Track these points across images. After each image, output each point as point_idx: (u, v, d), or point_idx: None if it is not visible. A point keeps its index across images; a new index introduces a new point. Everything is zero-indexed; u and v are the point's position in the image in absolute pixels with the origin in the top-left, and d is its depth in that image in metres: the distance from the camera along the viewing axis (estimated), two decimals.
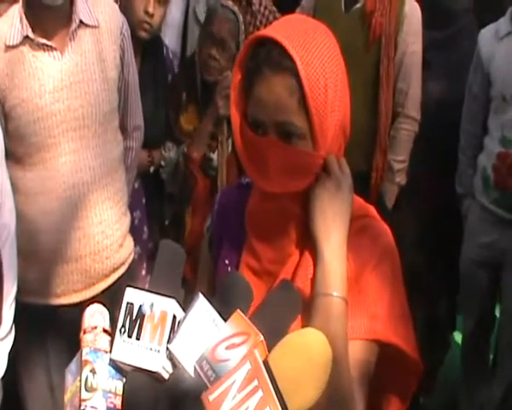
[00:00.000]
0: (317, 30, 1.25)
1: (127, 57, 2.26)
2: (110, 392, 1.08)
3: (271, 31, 1.23)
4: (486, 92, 2.82)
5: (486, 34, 2.85)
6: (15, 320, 1.79)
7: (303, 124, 1.21)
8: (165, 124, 2.91)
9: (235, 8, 2.78)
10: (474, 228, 2.94)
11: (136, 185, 2.85)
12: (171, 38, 3.41)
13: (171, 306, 1.07)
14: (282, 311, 1.05)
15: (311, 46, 1.20)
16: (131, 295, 1.09)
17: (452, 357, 3.45)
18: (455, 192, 3.05)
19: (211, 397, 0.94)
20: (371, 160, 2.92)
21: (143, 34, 2.71)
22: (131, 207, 2.50)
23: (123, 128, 2.35)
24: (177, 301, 1.08)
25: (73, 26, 2.05)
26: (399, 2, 2.81)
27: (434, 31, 2.97)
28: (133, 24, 2.53)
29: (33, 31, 2.01)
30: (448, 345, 3.56)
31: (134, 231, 2.51)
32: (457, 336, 3.56)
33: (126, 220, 2.33)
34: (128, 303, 1.09)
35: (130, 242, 2.36)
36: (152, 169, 2.92)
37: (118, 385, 1.09)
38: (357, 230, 1.29)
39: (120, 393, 1.09)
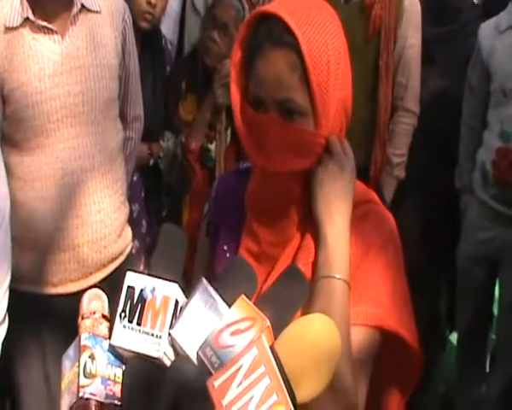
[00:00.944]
0: (320, 6, 1.23)
1: (129, 45, 2.23)
2: (109, 379, 1.05)
3: (273, 6, 1.20)
4: (486, 86, 2.80)
5: (486, 28, 2.82)
6: (10, 309, 1.75)
7: (304, 101, 1.18)
8: (164, 115, 2.88)
9: None
10: (472, 224, 2.91)
11: (135, 178, 2.82)
12: (167, 28, 3.38)
13: (173, 290, 1.04)
14: (289, 297, 1.01)
15: (314, 22, 1.18)
16: (132, 279, 1.06)
17: (448, 355, 3.43)
18: (454, 188, 3.02)
19: (216, 383, 0.91)
20: (370, 153, 2.90)
21: (145, 25, 2.69)
22: (130, 201, 2.47)
23: (122, 118, 2.31)
24: (180, 286, 1.05)
25: (75, 9, 2.02)
26: None
27: (439, 26, 2.96)
28: (135, 14, 2.50)
29: (34, 13, 1.97)
30: (445, 344, 3.54)
31: (132, 224, 2.47)
32: (453, 337, 3.54)
33: (125, 210, 2.29)
34: (129, 287, 1.06)
35: (128, 232, 2.33)
36: (151, 162, 2.89)
37: (117, 372, 1.06)
38: (360, 215, 1.27)
39: (120, 380, 1.06)
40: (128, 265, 2.24)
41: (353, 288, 1.20)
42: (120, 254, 2.25)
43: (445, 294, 3.53)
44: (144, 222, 2.91)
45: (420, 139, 2.97)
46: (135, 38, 2.36)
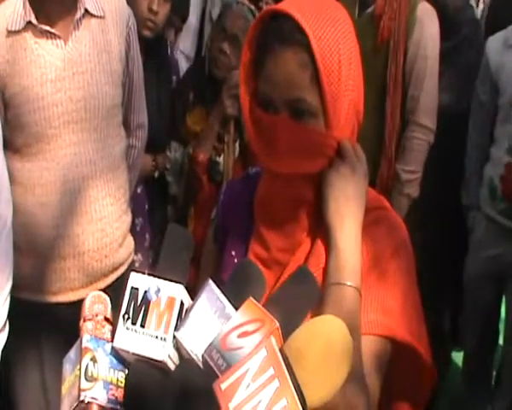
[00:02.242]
0: (332, 6, 1.21)
1: (133, 51, 2.21)
2: (111, 383, 1.01)
3: (283, 5, 1.18)
4: (494, 101, 2.77)
5: (494, 43, 2.81)
6: (9, 317, 1.71)
7: (315, 101, 1.15)
8: (170, 125, 2.85)
9: (252, 6, 2.74)
10: (479, 240, 2.89)
11: (139, 191, 2.78)
12: (185, 43, 3.41)
13: (178, 291, 1.00)
14: (299, 299, 0.98)
15: (325, 21, 1.15)
16: (136, 280, 1.03)
17: (453, 373, 3.38)
18: (461, 204, 2.99)
19: (223, 386, 0.87)
20: (377, 169, 2.80)
21: (147, 33, 2.66)
22: (133, 214, 2.44)
23: (126, 125, 2.29)
24: (185, 287, 1.02)
25: (78, 14, 1.99)
26: (410, 7, 2.73)
27: (442, 41, 2.92)
28: (137, 22, 2.47)
29: (37, 17, 1.95)
30: (449, 362, 3.49)
31: (135, 238, 2.43)
32: (456, 355, 3.50)
33: (127, 219, 2.26)
34: (132, 288, 1.03)
35: (130, 242, 2.30)
36: (156, 174, 2.86)
37: (119, 376, 1.03)
38: (372, 221, 1.23)
39: (122, 385, 1.02)
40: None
41: (364, 296, 1.17)
42: (121, 264, 2.22)
43: (449, 311, 3.49)
44: (148, 236, 2.87)
45: None
46: (140, 46, 2.34)
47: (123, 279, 2.15)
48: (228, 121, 2.69)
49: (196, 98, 2.83)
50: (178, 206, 2.96)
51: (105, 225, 2.11)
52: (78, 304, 2.09)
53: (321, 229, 1.21)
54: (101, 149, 2.08)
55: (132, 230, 2.38)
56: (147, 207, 2.87)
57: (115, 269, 2.18)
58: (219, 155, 2.73)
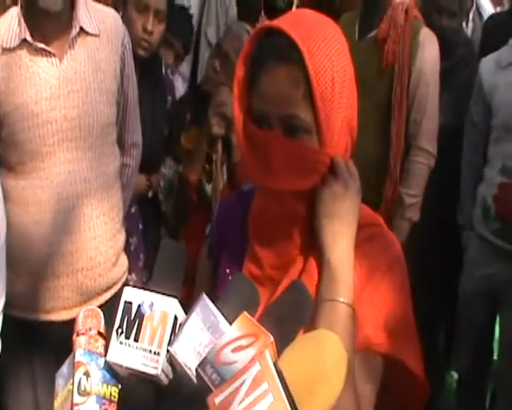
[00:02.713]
0: (326, 24, 1.22)
1: (128, 70, 2.21)
2: (105, 398, 1.00)
3: (278, 22, 1.19)
4: (488, 122, 2.80)
5: (487, 64, 2.84)
6: (2, 334, 1.70)
7: (308, 117, 1.16)
8: (164, 145, 2.85)
9: (250, 28, 2.76)
10: (473, 259, 2.89)
11: (133, 210, 2.77)
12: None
13: (172, 306, 1.00)
14: (293, 313, 0.98)
15: (319, 38, 1.16)
16: (130, 294, 1.03)
17: (447, 394, 3.37)
18: (455, 223, 3.00)
19: (217, 400, 0.86)
20: (381, 192, 2.83)
21: (142, 52, 2.66)
22: (127, 233, 2.42)
23: (120, 144, 2.28)
24: (179, 302, 1.01)
25: (73, 32, 2.00)
26: (413, 31, 2.77)
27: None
28: (131, 41, 2.48)
29: (32, 35, 1.95)
30: (443, 382, 3.48)
31: (130, 258, 2.41)
32: (450, 376, 3.49)
33: (121, 238, 2.25)
34: (126, 302, 1.02)
35: (124, 260, 2.28)
36: (150, 194, 2.85)
37: (113, 391, 1.02)
38: (365, 238, 1.23)
39: (116, 400, 1.02)
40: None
41: (358, 312, 1.17)
42: (115, 283, 2.20)
43: (442, 332, 3.49)
44: (142, 256, 2.85)
45: None
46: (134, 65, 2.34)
47: (116, 298, 2.12)
48: (215, 140, 2.68)
49: (193, 119, 2.84)
50: (170, 225, 2.96)
51: (99, 243, 2.10)
52: (72, 323, 2.08)
53: (314, 246, 1.21)
54: (96, 168, 2.07)
55: (126, 249, 2.37)
56: (141, 226, 2.85)
57: (109, 288, 2.16)
58: (209, 182, 2.72)
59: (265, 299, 1.19)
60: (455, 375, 3.29)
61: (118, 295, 2.14)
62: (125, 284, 2.28)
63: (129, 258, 2.37)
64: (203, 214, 2.75)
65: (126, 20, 2.55)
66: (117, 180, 2.23)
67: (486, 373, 3.08)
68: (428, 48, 2.78)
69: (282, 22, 1.17)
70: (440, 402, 3.31)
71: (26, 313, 2.05)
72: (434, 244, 3.05)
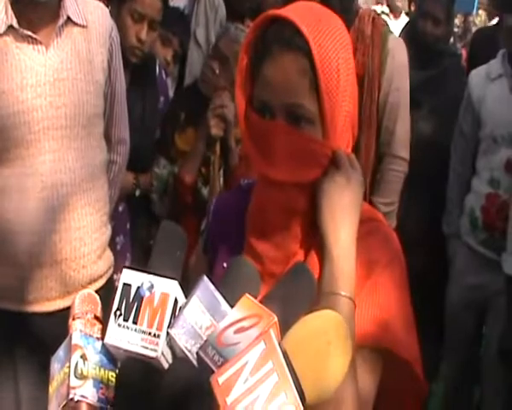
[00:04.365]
0: (330, 16, 1.21)
1: (115, 62, 2.19)
2: (102, 382, 0.98)
3: (284, 11, 1.17)
4: (476, 133, 2.82)
5: (477, 76, 2.87)
6: None
7: (313, 107, 1.15)
8: (155, 144, 2.82)
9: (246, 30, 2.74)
10: (460, 269, 2.91)
11: (121, 209, 2.73)
12: None
13: (172, 287, 0.98)
14: (296, 294, 0.96)
15: (324, 28, 1.15)
16: (128, 276, 1.00)
17: (432, 406, 3.37)
18: (442, 234, 3.00)
19: (220, 379, 0.84)
20: None
21: (134, 59, 2.66)
22: (114, 232, 2.39)
23: (107, 139, 2.25)
24: (180, 284, 1.00)
25: (61, 21, 1.97)
26: (382, 40, 2.72)
27: (422, 71, 2.96)
28: (124, 48, 2.44)
29: (18, 22, 1.92)
30: (430, 390, 3.48)
31: (116, 257, 2.38)
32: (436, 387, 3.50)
33: (107, 232, 2.22)
34: (125, 284, 1.00)
35: (109, 255, 2.25)
36: (137, 192, 2.81)
37: (110, 375, 0.99)
38: (366, 233, 1.22)
39: (113, 385, 0.99)
40: (108, 290, 2.16)
41: (358, 307, 1.15)
42: (100, 277, 2.17)
43: (429, 344, 3.48)
44: (129, 255, 2.80)
45: (404, 184, 2.93)
46: (124, 64, 2.33)
47: (101, 294, 2.10)
48: (213, 142, 2.64)
49: (188, 119, 2.79)
50: None
51: (83, 234, 2.07)
52: (54, 315, 2.06)
53: (314, 239, 1.20)
54: (81, 158, 2.04)
55: (113, 249, 2.34)
56: (128, 225, 2.81)
57: (93, 281, 2.13)
58: (205, 185, 2.69)
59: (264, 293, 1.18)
60: (441, 385, 3.27)
61: (102, 290, 2.11)
62: (111, 280, 2.25)
63: (115, 257, 2.34)
64: (197, 217, 2.70)
65: (119, 26, 2.50)
66: (104, 173, 2.20)
67: (472, 386, 3.09)
68: (398, 54, 2.74)
69: (288, 12, 1.16)
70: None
71: (8, 303, 2.02)
72: (419, 255, 3.05)
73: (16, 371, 2.06)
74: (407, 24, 3.51)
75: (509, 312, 2.53)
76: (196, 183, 2.69)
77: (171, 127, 2.79)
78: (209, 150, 2.67)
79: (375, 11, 2.86)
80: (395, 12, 6.50)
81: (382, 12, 5.82)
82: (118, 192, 2.46)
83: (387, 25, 2.85)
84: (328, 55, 1.13)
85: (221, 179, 2.70)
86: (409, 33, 3.22)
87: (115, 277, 2.31)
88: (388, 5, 6.77)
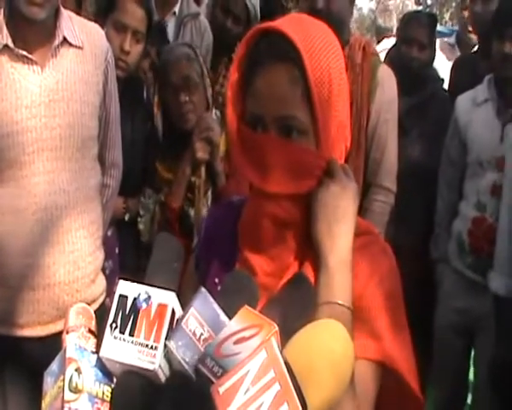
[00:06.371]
0: (322, 27, 1.20)
1: (110, 85, 2.17)
2: (97, 397, 0.95)
3: (274, 23, 1.16)
4: (463, 158, 2.82)
5: (463, 101, 2.88)
6: None
7: (306, 118, 1.13)
8: (143, 170, 2.79)
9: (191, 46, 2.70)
10: (448, 293, 2.90)
11: (109, 233, 2.68)
12: None
13: (170, 299, 0.96)
14: (296, 304, 0.95)
15: (317, 40, 1.15)
16: (125, 288, 0.99)
17: None
18: (429, 258, 3.00)
19: (221, 389, 0.82)
20: None
21: (118, 72, 2.59)
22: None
23: (101, 162, 2.23)
24: (177, 295, 0.97)
25: (56, 41, 1.96)
26: (372, 69, 2.70)
27: (408, 96, 2.97)
28: None
29: (14, 42, 1.91)
30: None
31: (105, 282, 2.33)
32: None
33: (100, 256, 2.19)
34: (121, 296, 0.98)
35: (102, 280, 2.22)
36: (127, 217, 2.78)
37: (105, 390, 0.97)
38: (361, 246, 1.20)
39: (108, 399, 0.96)
40: (102, 314, 2.11)
41: (354, 320, 1.13)
42: (94, 301, 2.13)
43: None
44: (117, 280, 2.73)
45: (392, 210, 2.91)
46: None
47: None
48: (198, 165, 2.61)
49: (169, 147, 2.76)
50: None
51: (77, 258, 2.04)
52: (46, 340, 2.01)
53: (308, 251, 1.18)
54: (76, 181, 2.02)
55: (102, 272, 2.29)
56: (117, 250, 2.77)
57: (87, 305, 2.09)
58: (192, 206, 2.66)
59: (260, 307, 1.15)
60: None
61: (95, 314, 2.07)
62: (103, 305, 2.21)
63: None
64: (184, 241, 2.67)
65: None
66: (97, 196, 2.17)
67: (462, 406, 3.07)
68: (387, 86, 2.73)
69: (278, 24, 1.15)
70: None
71: None
72: (407, 280, 3.03)
73: (5, 396, 2.01)
74: (390, 49, 3.54)
75: (497, 334, 2.51)
76: (183, 208, 2.66)
77: (153, 156, 2.75)
78: (194, 174, 2.64)
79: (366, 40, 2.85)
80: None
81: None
82: (110, 217, 2.42)
83: (378, 54, 2.85)
84: (320, 66, 1.13)
85: (209, 202, 2.67)
86: (393, 59, 3.23)
87: (107, 301, 2.27)
88: None
